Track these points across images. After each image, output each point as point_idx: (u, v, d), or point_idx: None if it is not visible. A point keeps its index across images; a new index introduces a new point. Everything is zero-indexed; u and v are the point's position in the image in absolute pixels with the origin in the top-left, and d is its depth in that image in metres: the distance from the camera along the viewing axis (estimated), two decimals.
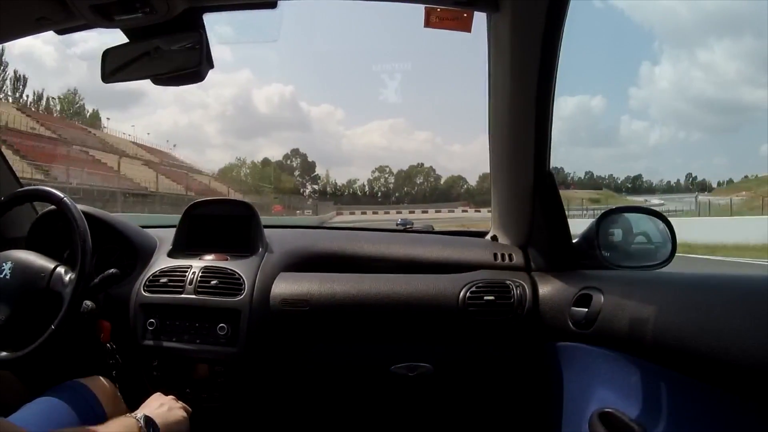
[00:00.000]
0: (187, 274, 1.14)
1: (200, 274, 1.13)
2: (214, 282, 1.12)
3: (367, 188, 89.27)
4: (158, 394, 0.93)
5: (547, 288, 1.10)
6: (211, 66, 0.93)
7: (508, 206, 1.23)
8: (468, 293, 1.11)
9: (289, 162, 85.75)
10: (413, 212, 55.67)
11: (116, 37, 0.93)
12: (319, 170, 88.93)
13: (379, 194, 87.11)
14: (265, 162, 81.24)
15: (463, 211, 58.41)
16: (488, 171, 1.23)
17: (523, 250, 1.22)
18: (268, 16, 0.93)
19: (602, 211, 1.10)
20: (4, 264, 0.93)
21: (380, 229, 1.53)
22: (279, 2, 0.92)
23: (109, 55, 0.95)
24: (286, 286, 1.15)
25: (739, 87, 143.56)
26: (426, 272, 1.20)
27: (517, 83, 1.01)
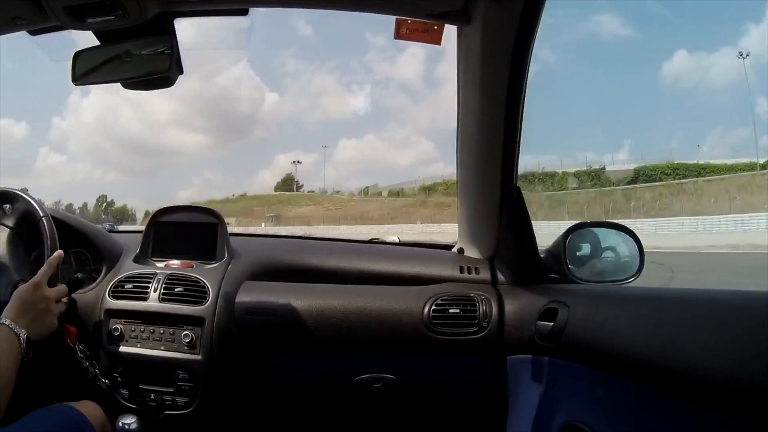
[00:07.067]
0: (152, 280, 1.13)
1: (165, 281, 1.13)
2: (178, 289, 1.12)
3: None
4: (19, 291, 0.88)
5: (513, 302, 1.10)
6: (181, 71, 0.93)
7: (475, 219, 1.23)
8: (433, 306, 1.11)
9: None
10: None
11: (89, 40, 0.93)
12: None
13: None
14: None
15: None
16: None
17: (490, 263, 1.23)
18: (239, 23, 0.93)
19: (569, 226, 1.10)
20: None
21: (347, 239, 1.53)
22: (250, 9, 0.93)
23: (80, 57, 0.94)
24: (250, 295, 1.15)
25: (167, 129, 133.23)
26: (392, 284, 1.20)
27: (486, 96, 1.01)
